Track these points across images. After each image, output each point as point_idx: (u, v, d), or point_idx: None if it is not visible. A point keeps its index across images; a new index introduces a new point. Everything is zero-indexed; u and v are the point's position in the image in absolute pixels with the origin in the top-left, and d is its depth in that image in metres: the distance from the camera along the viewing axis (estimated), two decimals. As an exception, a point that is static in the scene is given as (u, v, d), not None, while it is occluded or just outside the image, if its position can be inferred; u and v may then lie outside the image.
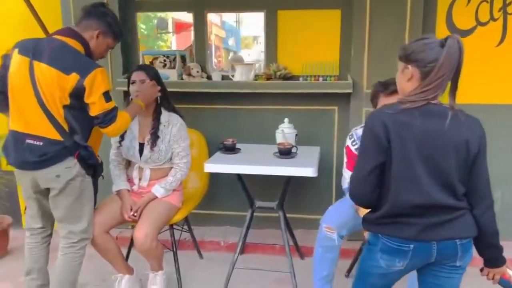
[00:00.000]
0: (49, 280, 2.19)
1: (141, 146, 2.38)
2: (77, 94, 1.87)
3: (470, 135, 1.37)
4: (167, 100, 2.44)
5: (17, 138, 1.92)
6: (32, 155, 1.89)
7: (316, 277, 2.30)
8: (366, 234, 2.02)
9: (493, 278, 1.55)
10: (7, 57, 1.94)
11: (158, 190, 2.38)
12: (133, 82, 2.35)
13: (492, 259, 1.51)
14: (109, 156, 2.47)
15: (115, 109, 1.96)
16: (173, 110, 2.45)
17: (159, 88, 2.34)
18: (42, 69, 1.85)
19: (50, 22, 2.83)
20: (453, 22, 2.77)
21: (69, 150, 1.92)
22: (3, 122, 2.07)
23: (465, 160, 1.37)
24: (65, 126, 1.91)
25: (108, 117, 1.93)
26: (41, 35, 2.73)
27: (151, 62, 3.05)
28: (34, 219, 2.13)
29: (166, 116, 2.40)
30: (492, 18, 2.74)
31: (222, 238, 3.10)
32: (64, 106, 1.89)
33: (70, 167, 1.93)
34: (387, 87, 2.02)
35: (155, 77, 2.38)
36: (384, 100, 2.02)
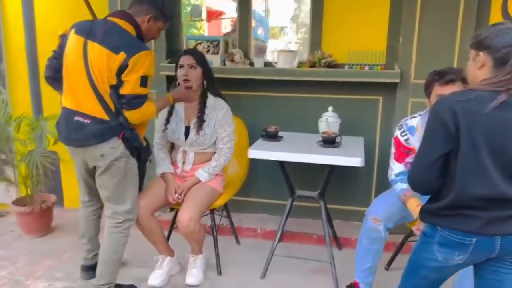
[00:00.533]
0: (99, 246, 2.29)
1: (187, 129, 2.40)
2: (121, 72, 1.89)
3: None
4: (214, 85, 2.45)
5: (67, 115, 1.99)
6: (79, 132, 1.95)
7: (358, 268, 2.27)
8: (417, 226, 1.98)
9: None
10: (64, 37, 2.00)
11: (201, 174, 2.40)
12: (181, 66, 2.36)
13: None
14: (154, 139, 2.50)
15: (144, 97, 1.96)
16: (219, 96, 2.45)
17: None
18: (94, 48, 1.90)
19: (97, 6, 2.86)
20: (507, 11, 2.65)
21: (114, 130, 1.95)
22: (58, 101, 2.14)
23: None
24: (112, 107, 1.94)
25: (134, 101, 1.93)
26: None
27: (195, 47, 3.05)
28: (83, 193, 2.28)
29: (212, 100, 2.41)
30: (552, 8, 2.61)
31: (259, 225, 3.10)
32: (111, 86, 1.91)
33: (114, 147, 1.97)
34: (443, 76, 1.95)
35: (202, 62, 2.39)
36: (439, 90, 1.95)
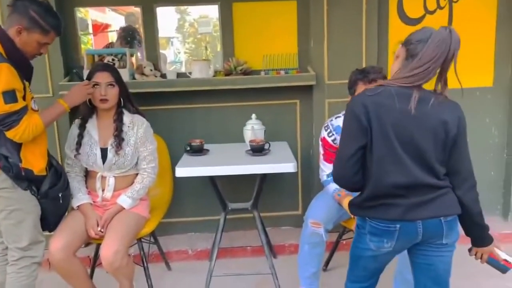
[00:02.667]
0: None
1: (103, 151, 2.14)
2: None
3: (448, 117, 1.40)
4: (130, 102, 2.23)
5: None
6: None
7: (303, 275, 2.23)
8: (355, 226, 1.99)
9: (481, 258, 1.58)
10: None
11: (125, 200, 2.16)
12: (97, 84, 2.10)
13: (478, 238, 1.54)
14: (65, 168, 2.19)
15: (17, 113, 1.75)
16: (137, 113, 2.24)
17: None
18: None
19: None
20: (404, 11, 2.85)
21: None
22: None
23: (443, 142, 1.40)
24: None
25: (8, 121, 1.73)
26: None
27: (102, 62, 2.77)
28: None
29: (129, 117, 2.19)
30: (439, 7, 2.87)
31: (189, 246, 2.91)
32: None
33: None
34: (367, 74, 2.01)
35: (120, 78, 2.17)
36: (364, 88, 2.00)
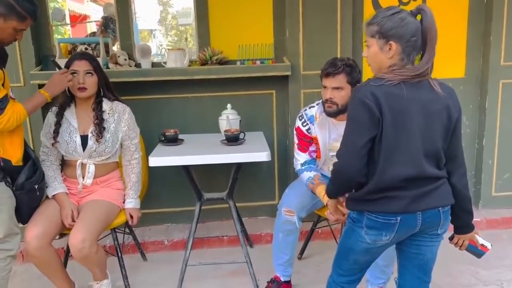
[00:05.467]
0: None
1: (83, 139, 2.14)
2: None
3: (450, 101, 1.40)
4: (110, 91, 2.24)
5: None
6: None
7: (276, 262, 2.26)
8: (329, 214, 2.00)
9: (461, 245, 1.60)
10: None
11: (130, 203, 2.29)
12: (75, 73, 2.09)
13: (464, 226, 1.56)
14: (39, 156, 2.18)
15: (0, 101, 1.75)
16: (117, 101, 2.26)
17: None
18: None
19: None
20: (378, 3, 2.88)
21: None
22: None
23: (446, 128, 1.40)
24: None
25: None
26: None
27: (70, 52, 2.74)
28: None
29: (108, 104, 2.20)
30: (412, -2, 2.92)
31: (165, 236, 2.91)
32: None
33: None
34: (325, 68, 2.02)
35: (99, 67, 2.17)
36: (323, 81, 2.04)
